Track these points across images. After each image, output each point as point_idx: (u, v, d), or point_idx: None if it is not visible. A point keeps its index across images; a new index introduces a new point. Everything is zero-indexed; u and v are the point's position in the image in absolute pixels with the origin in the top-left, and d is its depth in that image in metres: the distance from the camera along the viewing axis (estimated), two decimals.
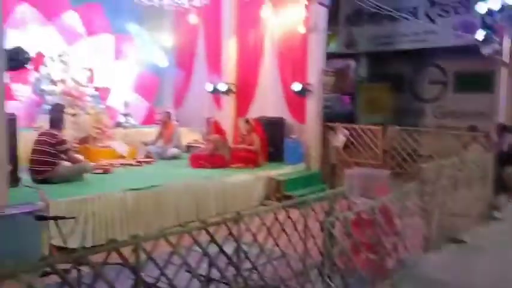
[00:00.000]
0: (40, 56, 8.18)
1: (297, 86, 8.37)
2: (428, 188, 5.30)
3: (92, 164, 6.63)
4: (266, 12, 8.96)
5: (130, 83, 10.06)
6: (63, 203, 4.63)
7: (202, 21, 10.11)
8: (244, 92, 9.61)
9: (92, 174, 6.27)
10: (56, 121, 5.72)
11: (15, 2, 7.97)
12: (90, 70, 9.04)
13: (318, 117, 8.52)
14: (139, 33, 10.14)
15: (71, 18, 8.86)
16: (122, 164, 7.14)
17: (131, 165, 7.24)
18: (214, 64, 9.99)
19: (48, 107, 7.77)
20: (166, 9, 9.57)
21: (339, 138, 8.54)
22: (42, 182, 5.42)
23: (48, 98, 7.86)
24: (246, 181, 6.95)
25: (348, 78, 13.73)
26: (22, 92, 7.97)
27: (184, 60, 10.63)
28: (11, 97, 7.87)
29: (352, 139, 8.52)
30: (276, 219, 3.22)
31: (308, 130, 8.56)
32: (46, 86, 7.89)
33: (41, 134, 5.59)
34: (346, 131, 8.49)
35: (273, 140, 8.41)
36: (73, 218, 4.19)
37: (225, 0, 9.43)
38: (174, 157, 8.21)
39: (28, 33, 8.17)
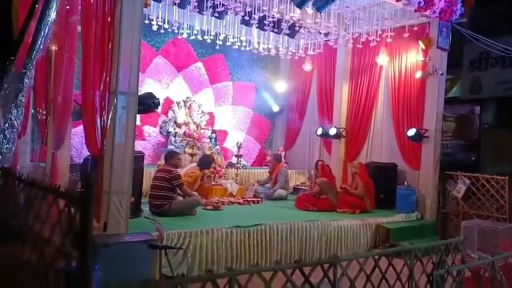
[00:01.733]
0: (168, 101, 9.15)
1: (411, 131, 8.03)
2: None
3: (204, 200, 7.07)
4: (382, 58, 8.91)
5: (245, 126, 10.61)
6: (175, 234, 5.00)
7: (317, 67, 10.41)
8: (355, 136, 9.51)
9: (204, 209, 6.69)
10: (171, 158, 6.27)
11: (153, 54, 9.11)
12: (210, 114, 9.81)
13: (435, 164, 8.02)
14: (256, 80, 10.77)
15: (197, 68, 9.79)
16: (231, 202, 7.48)
17: (239, 203, 7.54)
18: (327, 109, 10.11)
19: (172, 147, 8.58)
20: (282, 58, 10.17)
21: (459, 187, 7.89)
22: (159, 215, 5.92)
23: (172, 138, 8.67)
24: (352, 226, 6.75)
25: (471, 125, 12.77)
26: (150, 133, 8.92)
27: (297, 104, 10.94)
28: (141, 137, 8.90)
29: (474, 189, 7.80)
30: (375, 266, 3.09)
31: (423, 177, 8.08)
32: (171, 128, 8.73)
33: (159, 171, 6.19)
34: (467, 180, 7.82)
35: (384, 186, 8.10)
36: (181, 248, 4.48)
37: (340, 47, 9.59)
38: (280, 198, 8.34)
39: (161, 81, 9.23)
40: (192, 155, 8.15)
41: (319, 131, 9.85)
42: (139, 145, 8.80)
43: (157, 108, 5.16)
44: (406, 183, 8.02)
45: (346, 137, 9.64)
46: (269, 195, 8.46)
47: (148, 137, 8.97)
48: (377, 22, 8.20)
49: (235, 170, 8.74)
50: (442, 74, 7.93)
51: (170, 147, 8.62)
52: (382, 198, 8.07)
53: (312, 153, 10.47)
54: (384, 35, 8.27)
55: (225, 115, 10.26)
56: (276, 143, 11.15)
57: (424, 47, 8.11)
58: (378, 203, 7.93)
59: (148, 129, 8.97)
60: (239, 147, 8.80)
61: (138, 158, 5.91)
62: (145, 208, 6.10)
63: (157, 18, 8.05)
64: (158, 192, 6.00)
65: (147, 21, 7.96)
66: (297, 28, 8.68)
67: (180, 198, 6.25)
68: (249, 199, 7.85)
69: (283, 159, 10.22)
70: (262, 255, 5.66)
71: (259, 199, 8.03)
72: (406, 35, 8.14)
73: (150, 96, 5.02)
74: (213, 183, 8.12)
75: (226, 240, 5.36)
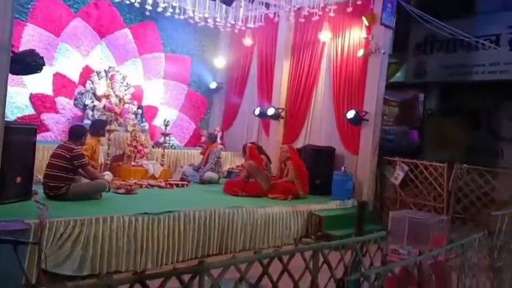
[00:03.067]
0: (88, 70, 8.12)
1: (350, 113, 7.52)
2: (499, 241, 4.24)
3: (118, 182, 6.24)
4: (324, 35, 8.31)
5: (179, 103, 9.75)
6: (62, 223, 4.15)
7: (258, 42, 9.67)
8: (294, 117, 8.92)
9: (115, 193, 5.87)
10: (76, 134, 5.36)
11: (70, 16, 8.00)
12: (137, 88, 8.87)
13: (373, 149, 7.57)
14: (192, 54, 9.90)
15: (124, 35, 8.76)
16: (150, 185, 6.68)
17: (160, 187, 6.75)
18: (266, 87, 9.44)
19: (89, 122, 7.61)
20: (221, 31, 9.33)
21: (397, 174, 7.50)
22: (55, 198, 5.04)
23: (89, 112, 7.69)
24: (282, 214, 6.16)
25: (415, 111, 12.56)
26: (65, 105, 7.88)
27: (236, 82, 10.20)
28: (54, 109, 7.84)
29: (412, 176, 7.44)
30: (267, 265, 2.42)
31: (361, 163, 7.63)
32: (89, 101, 7.74)
33: (58, 147, 5.24)
34: (405, 167, 7.44)
35: (321, 171, 7.58)
36: (35, 243, 3.62)
37: (281, 21, 8.90)
38: (210, 181, 7.63)
39: (79, 47, 8.16)
40: (110, 131, 7.21)
41: (257, 111, 9.18)
42: (50, 118, 7.78)
43: (40, 69, 4.25)
44: (343, 168, 7.54)
45: (285, 118, 9.05)
46: (199, 178, 7.72)
47: (63, 110, 7.91)
48: None
49: (162, 150, 7.90)
50: (384, 53, 7.43)
51: (86, 122, 7.64)
52: (318, 184, 7.55)
53: (251, 135, 9.79)
54: (326, 9, 7.62)
55: (155, 90, 9.34)
56: (213, 123, 10.38)
57: (367, 23, 7.58)
58: (313, 189, 7.40)
59: (62, 101, 7.91)
60: (166, 125, 7.96)
61: (28, 130, 5.00)
62: (40, 190, 5.19)
63: None
64: (54, 172, 5.08)
65: None
66: None
67: (83, 180, 5.37)
68: (172, 182, 7.07)
69: (218, 139, 9.52)
70: (174, 247, 4.94)
71: (186, 183, 7.27)
72: (349, 9, 7.48)
73: (30, 53, 4.08)
74: (132, 163, 7.27)
75: (129, 229, 4.58)
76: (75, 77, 8.10)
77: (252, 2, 8.18)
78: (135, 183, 6.54)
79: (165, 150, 7.91)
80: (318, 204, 6.84)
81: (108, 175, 6.71)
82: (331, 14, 7.63)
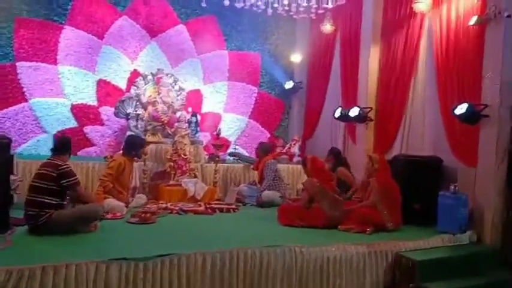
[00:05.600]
0: (136, 76, 7.13)
1: (461, 108, 5.21)
2: None
3: (151, 206, 5.00)
4: (422, 4, 6.14)
5: (248, 108, 8.29)
6: None
7: (341, 27, 7.79)
8: (386, 119, 6.81)
9: (128, 223, 4.58)
10: (61, 146, 4.19)
11: (115, 15, 7.13)
12: (196, 93, 7.67)
13: (500, 158, 5.12)
14: (261, 50, 8.40)
15: (178, 33, 7.64)
16: (182, 210, 5.26)
17: (196, 212, 5.29)
18: (351, 83, 7.49)
19: (131, 133, 6.57)
20: (295, 18, 7.65)
21: None
22: (33, 232, 3.90)
23: (132, 122, 6.64)
24: (353, 256, 4.22)
25: None
26: (110, 115, 6.96)
27: (317, 79, 8.41)
28: (98, 121, 6.99)
29: None
30: None
31: (481, 178, 5.23)
32: (131, 109, 6.70)
33: (42, 166, 4.09)
34: None
35: (421, 191, 5.39)
36: None
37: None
38: (271, 204, 5.98)
39: (126, 50, 7.23)
40: (157, 143, 6.05)
41: (338, 113, 7.25)
42: (94, 131, 6.93)
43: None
44: (453, 187, 5.24)
45: (374, 119, 6.98)
46: (256, 199, 6.15)
47: (108, 121, 7.02)
48: None
49: (215, 165, 6.49)
50: (509, 16, 5.00)
51: (130, 134, 6.60)
52: (417, 210, 5.38)
53: (335, 143, 7.90)
54: None
55: (217, 94, 8.03)
56: (292, 130, 8.72)
57: None
58: (409, 218, 5.24)
59: (107, 111, 7.01)
60: (218, 134, 6.53)
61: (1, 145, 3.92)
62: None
63: None
64: (34, 197, 3.94)
65: None
66: None
67: (80, 206, 4.16)
68: (215, 206, 5.58)
69: (296, 150, 7.86)
70: None
71: (233, 207, 5.72)
72: None
73: None
74: (171, 182, 5.97)
75: (94, 283, 3.18)
76: (122, 84, 7.19)
77: None
78: (166, 208, 5.22)
79: (218, 165, 6.47)
80: (413, 241, 4.68)
81: (140, 198, 5.53)
82: None
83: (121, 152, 5.65)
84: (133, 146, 5.55)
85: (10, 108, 6.37)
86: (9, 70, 6.38)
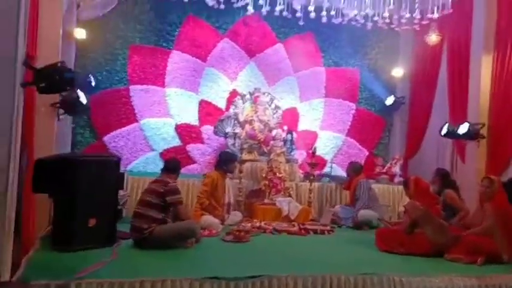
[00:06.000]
0: (235, 95, 7.37)
1: None
2: None
3: (246, 224, 5.11)
4: None
5: (345, 126, 8.08)
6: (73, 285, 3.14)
7: (447, 37, 7.26)
8: (501, 136, 6.15)
9: (222, 240, 4.69)
10: (170, 167, 4.50)
11: (217, 38, 7.48)
12: (292, 111, 7.69)
13: None
14: (360, 65, 8.16)
15: (276, 52, 7.75)
16: (276, 230, 5.24)
17: (289, 232, 5.23)
18: (460, 96, 6.90)
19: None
20: (397, 31, 7.33)
21: None
22: (136, 246, 4.18)
23: (230, 141, 6.85)
24: None
25: None
26: (210, 134, 7.25)
27: (421, 94, 7.90)
28: (199, 139, 7.32)
29: None
30: None
31: None
32: (229, 128, 6.91)
33: (152, 182, 4.41)
34: None
35: None
36: None
37: (476, 2, 6.36)
38: (367, 223, 5.71)
39: (226, 71, 7.52)
40: (242, 162, 6.16)
41: (444, 130, 6.69)
42: (196, 149, 7.28)
43: (69, 84, 3.41)
44: None
45: (487, 137, 6.32)
46: (352, 220, 5.92)
47: (208, 140, 7.32)
48: None
49: (309, 185, 6.39)
50: None
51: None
52: None
53: (442, 162, 7.31)
54: None
55: (314, 111, 7.94)
56: (393, 148, 8.28)
57: None
58: None
59: (208, 130, 7.31)
60: (313, 153, 6.43)
61: (107, 163, 4.29)
62: None
63: None
64: (141, 210, 4.24)
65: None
66: None
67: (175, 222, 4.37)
68: (309, 227, 5.46)
69: (397, 170, 7.48)
70: None
71: (328, 229, 5.55)
72: None
73: (54, 67, 3.27)
74: (266, 200, 6.00)
75: None
76: (221, 104, 7.47)
77: None
78: (260, 227, 5.25)
79: (312, 184, 6.36)
80: None
81: (235, 215, 5.66)
82: None
83: (214, 168, 5.83)
84: (225, 162, 5.71)
85: (123, 128, 6.97)
86: (123, 93, 7.01)
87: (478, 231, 4.65)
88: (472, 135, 6.30)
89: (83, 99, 5.18)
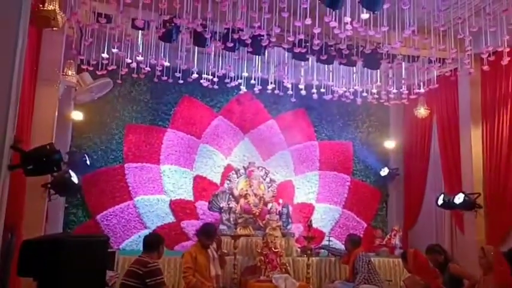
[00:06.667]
0: (229, 170, 7.42)
1: None
2: None
3: None
4: None
5: (341, 198, 8.04)
6: None
7: (436, 110, 7.49)
8: (498, 205, 6.12)
9: None
10: (150, 244, 4.30)
11: (211, 116, 7.70)
12: (287, 184, 7.71)
13: None
14: (353, 138, 8.31)
15: (269, 128, 7.94)
16: None
17: None
18: (454, 167, 6.96)
19: (224, 228, 6.67)
20: (387, 105, 7.55)
21: None
22: None
23: (224, 216, 6.78)
24: None
25: None
26: (205, 210, 7.19)
27: (414, 165, 7.97)
28: (194, 215, 7.25)
29: None
30: None
31: None
32: (224, 203, 6.87)
33: (132, 263, 4.24)
34: None
35: None
36: None
37: (461, 77, 6.61)
38: None
39: (221, 147, 7.65)
40: (236, 237, 6.04)
41: (440, 200, 6.66)
42: (190, 225, 7.17)
43: (56, 165, 3.45)
44: None
45: (484, 207, 6.27)
46: None
47: (203, 215, 7.24)
48: (508, 27, 5.18)
49: (307, 259, 6.22)
50: None
51: (222, 227, 6.71)
52: None
53: (440, 233, 7.20)
54: None
55: (309, 184, 7.95)
56: (391, 219, 8.18)
57: None
58: None
59: (202, 205, 7.27)
60: (310, 226, 6.33)
61: (95, 243, 4.16)
62: None
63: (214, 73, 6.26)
64: None
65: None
66: (380, 55, 6.14)
67: None
68: None
69: (397, 242, 7.30)
70: None
71: None
72: None
73: (41, 150, 3.33)
74: (261, 277, 5.79)
75: None
76: (216, 179, 7.52)
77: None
78: None
79: (310, 259, 6.18)
80: None
81: None
82: None
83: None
84: (203, 233, 5.50)
85: (117, 206, 6.94)
86: (118, 171, 7.08)
87: None
88: (469, 205, 6.26)
89: (75, 179, 5.20)
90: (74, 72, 5.76)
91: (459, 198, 6.29)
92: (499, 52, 5.21)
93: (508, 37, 4.95)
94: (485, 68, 5.44)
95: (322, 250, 7.01)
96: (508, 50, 5.11)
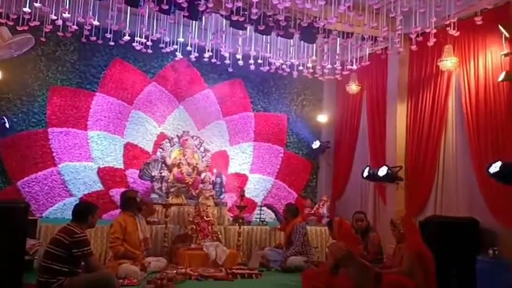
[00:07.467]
0: (162, 139, 7.25)
1: (495, 167, 4.91)
2: None
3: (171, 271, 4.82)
4: (448, 62, 6.06)
5: (274, 169, 8.20)
6: None
7: (366, 87, 7.76)
8: (417, 178, 6.54)
9: None
10: (79, 213, 4.12)
11: (145, 82, 7.42)
12: (222, 154, 7.70)
13: None
14: (288, 111, 8.44)
15: (205, 97, 7.82)
16: (202, 276, 5.06)
17: (216, 278, 5.07)
18: (380, 141, 7.31)
19: (155, 196, 6.57)
20: (321, 80, 7.68)
21: None
22: None
23: (156, 185, 6.66)
24: None
25: None
26: (136, 178, 7.02)
27: (344, 139, 8.28)
28: (124, 183, 7.04)
29: None
30: None
31: None
32: (156, 172, 6.73)
33: (59, 231, 4.05)
34: None
35: (457, 255, 5.01)
36: None
37: (391, 56, 6.85)
38: (297, 269, 5.67)
39: (154, 114, 7.43)
40: (167, 206, 5.98)
41: (366, 172, 7.01)
42: (119, 194, 6.94)
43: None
44: (492, 251, 4.85)
45: (405, 179, 6.70)
46: (279, 265, 5.88)
47: (133, 184, 7.06)
48: (436, 9, 5.43)
49: (238, 228, 6.32)
50: None
51: (153, 196, 6.61)
52: (455, 276, 4.96)
53: (365, 204, 7.60)
54: (447, 28, 5.44)
55: (243, 155, 8.01)
56: (320, 190, 8.48)
57: (508, 34, 5.15)
58: (446, 284, 4.82)
59: (133, 174, 7.08)
60: (242, 195, 6.41)
61: (12, 209, 3.95)
62: None
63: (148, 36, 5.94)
64: (46, 263, 3.86)
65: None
66: (316, 30, 6.21)
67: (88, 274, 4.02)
68: (236, 271, 5.34)
69: (325, 211, 7.61)
70: None
71: (255, 272, 5.46)
72: (478, 21, 5.22)
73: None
74: (192, 245, 5.82)
75: None
76: (148, 147, 7.31)
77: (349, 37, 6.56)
78: (185, 273, 5.04)
79: (241, 228, 6.29)
80: None
81: (159, 261, 5.40)
82: (453, 32, 5.41)
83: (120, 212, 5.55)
84: (124, 199, 5.46)
85: (39, 173, 6.54)
86: (40, 136, 6.64)
87: (396, 272, 4.77)
88: (391, 177, 6.65)
89: None
90: None
91: (382, 171, 6.65)
92: (427, 33, 5.48)
93: (435, 19, 5.19)
94: (414, 47, 5.69)
95: (254, 219, 7.15)
96: (434, 31, 5.39)
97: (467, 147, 5.81)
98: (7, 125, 6.14)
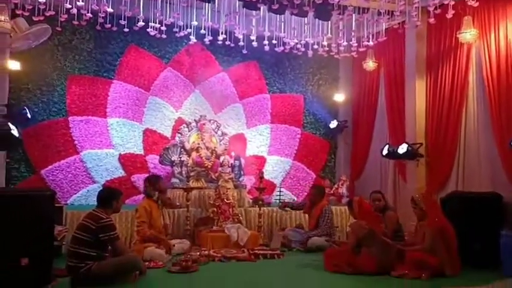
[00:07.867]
0: (180, 123, 7.29)
1: None
2: None
3: (195, 253, 4.94)
4: (467, 34, 5.91)
5: (292, 150, 8.19)
6: None
7: (384, 63, 7.64)
8: (438, 155, 6.46)
9: (168, 272, 4.52)
10: (103, 199, 4.23)
11: (160, 67, 7.44)
12: (240, 136, 7.72)
13: None
14: (304, 91, 8.38)
15: (220, 80, 7.81)
16: (225, 257, 5.14)
17: (238, 259, 5.15)
18: (399, 118, 7.22)
19: (176, 181, 6.64)
20: (337, 58, 7.57)
21: None
22: (75, 283, 3.92)
23: (176, 169, 6.73)
24: None
25: None
26: (156, 163, 7.10)
27: (362, 117, 8.20)
28: (145, 169, 7.13)
29: None
30: None
31: None
32: (175, 157, 6.80)
33: (85, 217, 4.17)
34: None
35: (480, 230, 4.99)
36: None
37: (408, 30, 6.71)
38: (320, 249, 5.69)
39: (171, 99, 7.47)
40: (188, 189, 6.05)
41: (385, 151, 6.95)
42: (141, 179, 7.00)
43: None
44: None
45: (425, 156, 6.63)
46: (302, 244, 5.92)
47: (154, 169, 7.14)
48: None
49: (258, 209, 6.37)
50: None
51: (174, 180, 6.69)
52: (478, 251, 4.94)
53: (385, 182, 7.56)
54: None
55: (261, 137, 8.01)
56: (339, 170, 8.46)
57: None
58: (468, 260, 4.81)
59: (153, 159, 7.17)
60: (261, 177, 6.44)
61: (39, 197, 4.03)
62: None
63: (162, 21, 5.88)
64: (75, 248, 3.99)
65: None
66: (331, 6, 6.11)
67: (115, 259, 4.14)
68: (259, 252, 5.40)
69: (345, 190, 7.61)
70: None
71: (278, 253, 5.52)
72: None
73: None
74: (214, 227, 5.90)
75: None
76: (167, 132, 7.38)
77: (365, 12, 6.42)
78: (208, 255, 5.12)
79: (262, 209, 6.34)
80: (475, 287, 4.27)
81: (183, 243, 5.49)
82: (472, 3, 5.27)
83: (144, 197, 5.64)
84: (147, 185, 5.56)
85: (62, 161, 6.67)
86: (61, 125, 6.75)
87: (419, 249, 4.76)
88: (411, 154, 6.58)
89: (15, 132, 4.91)
90: (7, 18, 5.31)
91: (402, 149, 6.59)
92: (445, 5, 5.34)
93: None
94: (432, 20, 5.56)
95: (274, 200, 7.18)
96: (453, 3, 5.25)
97: (489, 122, 5.71)
98: (28, 115, 6.25)
